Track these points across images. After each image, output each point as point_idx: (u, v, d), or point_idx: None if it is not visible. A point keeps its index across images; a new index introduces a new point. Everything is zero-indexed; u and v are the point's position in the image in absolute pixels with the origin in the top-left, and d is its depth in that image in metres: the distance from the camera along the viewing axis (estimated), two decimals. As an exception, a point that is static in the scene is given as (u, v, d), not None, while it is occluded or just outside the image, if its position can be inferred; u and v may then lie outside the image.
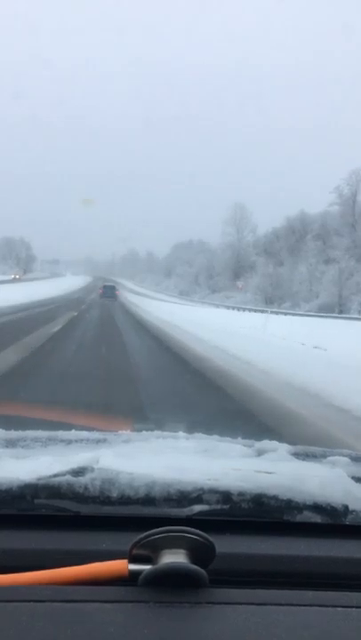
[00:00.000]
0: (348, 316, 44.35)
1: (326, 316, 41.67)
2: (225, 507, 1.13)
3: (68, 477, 1.13)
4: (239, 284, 68.55)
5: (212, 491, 1.14)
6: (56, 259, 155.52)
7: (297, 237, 64.09)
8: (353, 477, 1.26)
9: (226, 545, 1.02)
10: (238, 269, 73.87)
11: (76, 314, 25.46)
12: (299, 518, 1.15)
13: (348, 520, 1.16)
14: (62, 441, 1.55)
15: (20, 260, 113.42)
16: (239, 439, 1.67)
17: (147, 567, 0.93)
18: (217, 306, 57.11)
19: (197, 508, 1.13)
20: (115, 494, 1.12)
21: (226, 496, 1.13)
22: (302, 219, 65.98)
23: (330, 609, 0.93)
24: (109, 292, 53.57)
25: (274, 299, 59.17)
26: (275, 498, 1.14)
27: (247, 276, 68.09)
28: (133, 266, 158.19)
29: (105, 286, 57.08)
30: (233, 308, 51.36)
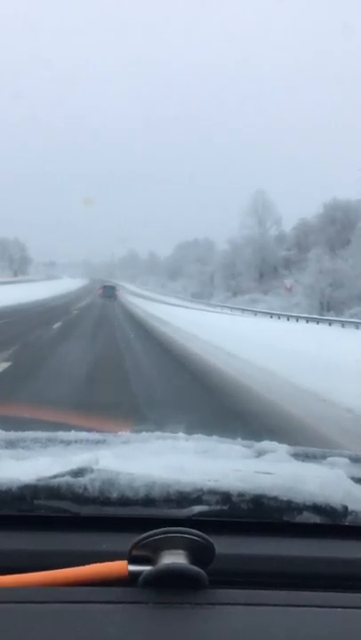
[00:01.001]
0: None
1: None
2: (225, 507, 1.13)
3: (68, 478, 1.13)
4: (287, 282, 53.04)
5: (212, 491, 1.14)
6: (53, 261, 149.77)
7: (338, 228, 51.82)
8: (352, 478, 1.26)
9: (225, 546, 1.02)
10: (264, 267, 61.50)
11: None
12: (298, 519, 1.15)
13: (348, 521, 1.16)
14: (62, 442, 1.55)
15: (14, 262, 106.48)
16: (239, 440, 1.67)
17: (146, 568, 0.93)
18: (254, 313, 43.55)
19: (197, 508, 1.13)
20: (114, 495, 1.12)
21: (225, 497, 1.13)
22: (338, 206, 53.43)
23: (329, 610, 0.93)
24: (109, 292, 54.07)
25: (334, 303, 43.20)
26: (274, 498, 1.14)
27: (284, 274, 55.79)
28: (134, 268, 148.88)
29: (105, 286, 57.58)
30: (297, 319, 36.35)
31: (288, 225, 63.59)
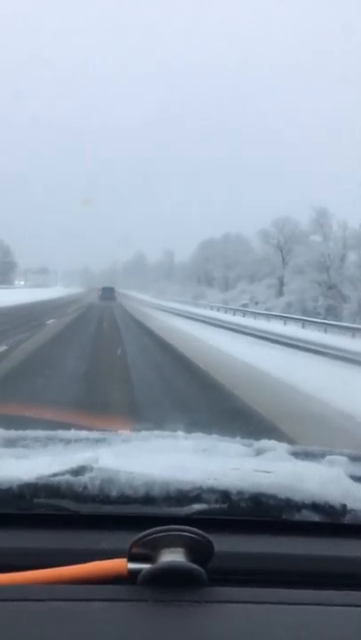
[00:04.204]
0: None
1: None
2: (224, 506, 1.14)
3: (68, 477, 1.13)
4: None
5: (211, 490, 1.14)
6: (45, 267, 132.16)
7: None
8: (352, 477, 1.27)
9: (224, 544, 1.02)
10: None
11: None
12: (297, 517, 1.15)
13: (347, 519, 1.17)
14: (62, 440, 1.55)
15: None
16: (238, 438, 1.67)
17: (146, 566, 0.93)
18: None
19: (196, 507, 1.14)
20: (114, 493, 1.12)
21: (225, 495, 1.14)
22: None
23: (328, 608, 0.94)
24: (108, 293, 55.47)
25: None
26: (273, 497, 1.14)
27: None
28: (140, 274, 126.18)
29: (103, 288, 59.13)
30: None
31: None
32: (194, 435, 1.72)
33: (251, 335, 22.96)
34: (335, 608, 0.94)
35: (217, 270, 66.31)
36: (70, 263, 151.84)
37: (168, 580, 0.91)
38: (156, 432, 1.72)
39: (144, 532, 0.93)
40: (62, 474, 1.14)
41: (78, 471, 1.14)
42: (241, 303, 48.53)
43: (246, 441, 1.64)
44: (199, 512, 1.13)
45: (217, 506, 1.14)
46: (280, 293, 48.09)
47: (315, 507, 1.15)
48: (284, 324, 31.09)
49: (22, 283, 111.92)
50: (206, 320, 31.78)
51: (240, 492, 1.14)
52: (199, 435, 1.73)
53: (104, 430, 1.82)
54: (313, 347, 18.90)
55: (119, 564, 0.95)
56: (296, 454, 1.54)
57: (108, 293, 57.10)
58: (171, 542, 0.94)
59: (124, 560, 0.95)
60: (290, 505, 1.15)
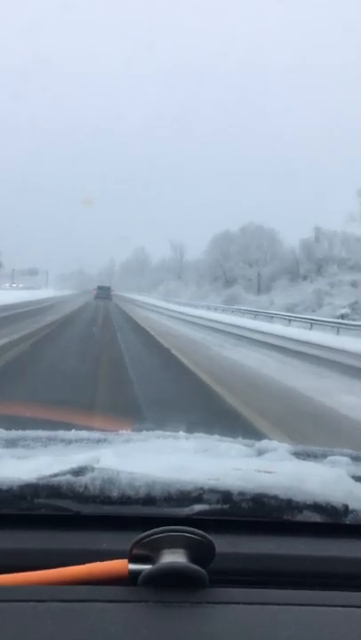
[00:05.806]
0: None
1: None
2: (225, 506, 1.13)
3: (69, 477, 1.13)
4: None
5: (213, 490, 1.14)
6: (33, 268, 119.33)
7: None
8: (353, 477, 1.26)
9: (226, 544, 1.02)
10: None
11: None
12: (299, 518, 1.15)
13: (349, 520, 1.16)
14: (62, 441, 1.55)
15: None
16: (239, 439, 1.67)
17: (147, 567, 0.93)
18: None
19: (198, 507, 1.13)
20: (115, 494, 1.12)
21: (226, 496, 1.13)
22: None
23: (330, 608, 0.93)
24: (103, 293, 57.88)
25: None
26: (275, 497, 1.14)
27: None
28: (141, 275, 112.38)
29: (99, 287, 61.48)
30: None
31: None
32: (195, 435, 1.72)
33: None
34: (337, 609, 0.93)
35: (244, 268, 53.61)
36: (66, 265, 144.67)
37: (169, 581, 0.91)
38: (158, 432, 1.71)
39: (145, 533, 0.93)
40: (63, 474, 1.13)
41: (79, 471, 1.14)
42: (337, 314, 32.16)
43: (248, 441, 1.64)
44: (200, 513, 1.13)
45: (218, 506, 1.13)
46: None
47: (316, 507, 1.15)
48: None
49: (14, 285, 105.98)
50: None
51: (241, 493, 1.14)
52: (200, 435, 1.73)
53: (105, 430, 1.82)
54: None
55: (120, 565, 0.95)
56: (298, 454, 1.53)
57: (103, 293, 60.27)
58: (172, 543, 0.93)
59: (125, 561, 0.95)
60: (291, 505, 1.14)
